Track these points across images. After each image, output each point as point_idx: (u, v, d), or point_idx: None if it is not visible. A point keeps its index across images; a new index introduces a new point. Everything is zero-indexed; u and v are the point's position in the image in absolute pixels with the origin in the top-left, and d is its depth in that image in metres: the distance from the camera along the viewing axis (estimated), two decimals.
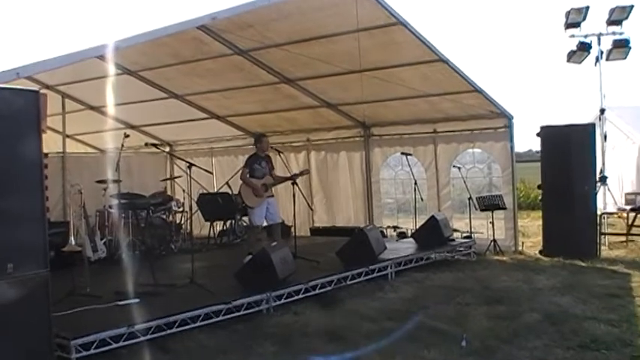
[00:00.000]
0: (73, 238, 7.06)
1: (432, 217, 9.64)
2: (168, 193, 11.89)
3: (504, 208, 9.99)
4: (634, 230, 10.48)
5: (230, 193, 10.90)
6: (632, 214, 10.48)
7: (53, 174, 10.63)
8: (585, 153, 9.57)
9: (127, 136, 9.51)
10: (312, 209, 11.57)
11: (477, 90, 9.52)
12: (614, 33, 11.64)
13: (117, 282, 6.77)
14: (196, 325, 5.80)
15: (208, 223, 11.38)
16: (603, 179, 11.00)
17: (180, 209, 10.76)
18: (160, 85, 10.64)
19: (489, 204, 9.96)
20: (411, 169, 10.66)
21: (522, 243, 10.41)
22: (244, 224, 11.26)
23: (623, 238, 10.68)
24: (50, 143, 10.41)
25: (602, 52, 11.73)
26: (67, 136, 11.40)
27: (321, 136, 12.04)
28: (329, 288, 7.30)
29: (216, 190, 12.07)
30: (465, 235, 10.20)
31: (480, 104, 9.86)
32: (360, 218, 11.64)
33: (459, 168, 10.44)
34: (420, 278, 8.19)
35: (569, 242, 9.29)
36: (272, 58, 9.27)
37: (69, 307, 5.73)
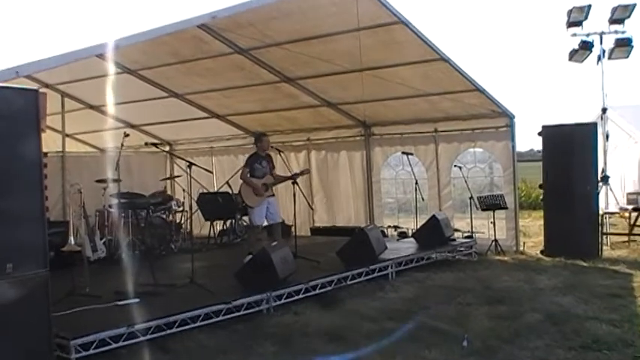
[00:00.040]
0: (72, 238, 7.04)
1: (433, 216, 9.62)
2: (168, 192, 11.87)
3: (506, 208, 9.96)
4: (636, 230, 10.47)
5: (230, 192, 10.88)
6: (634, 214, 10.46)
7: (53, 173, 10.63)
8: (587, 152, 9.54)
9: (126, 135, 9.48)
10: (312, 209, 11.57)
11: (478, 89, 9.50)
12: (616, 32, 11.62)
13: (116, 282, 6.76)
14: (196, 325, 5.79)
15: (208, 223, 11.37)
16: (605, 179, 10.98)
17: (180, 209, 10.74)
18: (159, 84, 10.63)
19: (490, 204, 9.95)
20: (411, 169, 10.64)
21: (524, 243, 10.38)
22: (244, 224, 11.24)
23: (625, 238, 10.67)
24: (50, 142, 10.36)
25: (604, 51, 11.71)
26: (67, 136, 11.37)
27: (322, 136, 12.03)
28: (329, 288, 7.29)
29: (216, 190, 12.05)
30: (466, 234, 10.18)
31: (481, 103, 9.84)
32: (361, 218, 11.62)
33: (460, 167, 10.42)
34: (421, 278, 8.18)
35: (571, 242, 9.28)
36: (272, 57, 9.25)
37: (68, 307, 5.72)
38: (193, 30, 7.83)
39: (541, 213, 10.76)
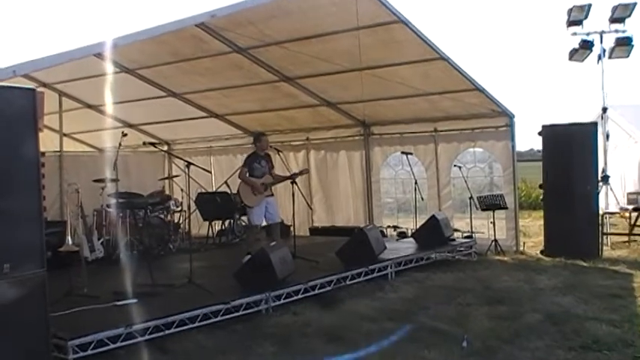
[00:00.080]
0: (70, 238, 7.02)
1: (433, 216, 9.60)
2: (167, 192, 11.82)
3: (505, 208, 9.94)
4: (636, 230, 10.44)
5: (229, 192, 10.86)
6: (634, 214, 10.43)
7: (50, 173, 10.56)
8: (587, 152, 9.52)
9: (124, 134, 9.44)
10: (311, 209, 11.53)
11: (478, 88, 9.48)
12: (616, 31, 11.59)
13: (115, 282, 6.72)
14: (195, 325, 5.76)
15: (207, 223, 11.34)
16: (605, 179, 10.96)
17: (179, 209, 10.70)
18: (158, 84, 10.59)
19: (490, 204, 9.92)
20: (411, 169, 10.63)
21: (524, 243, 10.36)
22: (243, 224, 11.21)
23: (626, 238, 10.65)
24: (47, 142, 10.35)
25: (604, 50, 11.68)
26: (64, 135, 11.32)
27: (321, 135, 12.00)
28: (328, 288, 7.26)
29: (214, 190, 12.02)
30: (465, 234, 10.16)
31: (481, 103, 9.82)
32: (360, 218, 11.59)
33: (460, 167, 10.40)
34: (421, 278, 8.15)
35: (571, 242, 9.26)
36: (271, 56, 9.23)
37: (66, 307, 5.70)
38: (192, 29, 7.80)
39: (541, 213, 10.74)
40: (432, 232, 9.38)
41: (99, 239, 8.93)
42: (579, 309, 6.27)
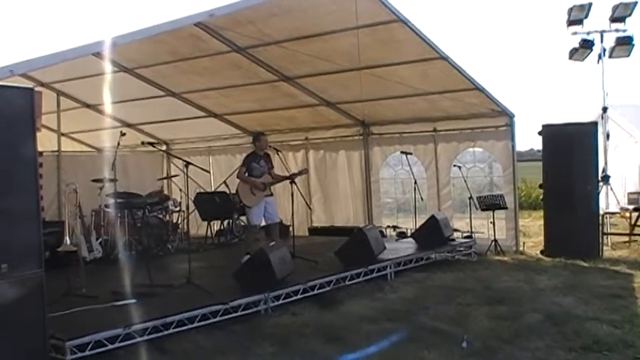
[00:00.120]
0: (68, 238, 6.97)
1: (432, 216, 9.58)
2: (165, 192, 11.82)
3: (505, 208, 9.92)
4: (637, 230, 10.41)
5: (228, 192, 10.84)
6: (634, 214, 10.40)
7: (48, 173, 10.57)
8: (587, 152, 9.49)
9: (123, 134, 9.44)
10: (310, 209, 11.51)
11: (478, 88, 9.46)
12: (617, 30, 11.53)
13: (113, 282, 6.70)
14: (194, 325, 5.75)
15: (205, 223, 11.32)
16: (606, 178, 10.92)
17: (177, 209, 10.68)
18: (156, 83, 10.56)
19: (490, 203, 9.90)
20: (410, 169, 10.60)
21: (523, 243, 10.35)
22: (242, 224, 11.18)
23: (626, 238, 10.63)
24: (45, 142, 10.35)
25: (604, 50, 11.63)
26: (62, 135, 11.30)
27: (320, 135, 11.97)
28: (328, 288, 7.24)
29: (213, 190, 11.99)
30: (465, 235, 10.14)
31: (480, 102, 9.80)
32: (360, 218, 11.57)
33: (460, 167, 10.39)
34: (420, 278, 8.14)
35: (571, 242, 9.24)
36: (270, 55, 9.20)
37: (64, 307, 5.68)
38: (191, 28, 7.78)
39: (541, 213, 10.72)
40: (432, 232, 9.35)
41: (97, 239, 8.92)
42: (579, 309, 6.26)
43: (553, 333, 5.48)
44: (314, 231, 11.72)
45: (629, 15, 11.35)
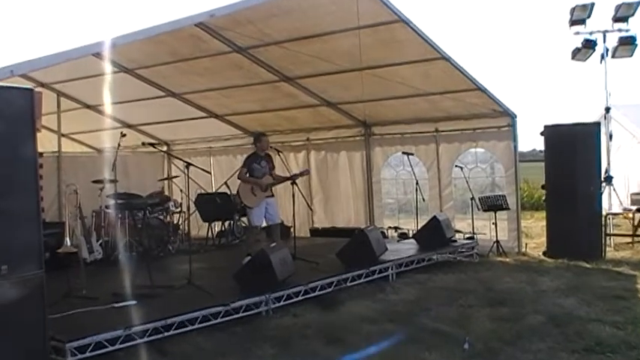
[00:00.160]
0: (68, 239, 6.97)
1: (434, 217, 9.55)
2: (166, 193, 11.80)
3: (507, 209, 9.89)
4: None
5: (229, 193, 10.81)
6: (637, 215, 10.38)
7: (48, 174, 10.56)
8: (590, 152, 9.47)
9: (123, 135, 9.43)
10: (311, 210, 11.50)
11: (480, 88, 9.44)
12: (620, 30, 11.47)
13: (113, 284, 6.68)
14: (194, 327, 5.72)
15: (206, 224, 11.30)
16: (608, 179, 10.87)
17: (178, 210, 10.66)
18: (157, 84, 10.55)
19: (492, 204, 9.87)
20: (412, 169, 10.57)
21: (526, 244, 10.31)
22: (243, 225, 11.17)
23: (629, 239, 10.58)
24: (45, 142, 10.35)
25: (607, 50, 11.56)
26: (63, 135, 11.29)
27: (321, 136, 11.95)
28: (329, 290, 7.22)
29: (214, 190, 11.97)
30: (467, 236, 10.11)
31: (482, 103, 9.77)
32: (361, 219, 11.55)
33: (462, 168, 10.37)
34: (422, 280, 8.11)
35: (574, 243, 9.20)
36: (271, 55, 9.19)
37: (65, 309, 5.67)
38: (191, 28, 7.76)
39: (543, 214, 10.71)
40: (434, 233, 9.33)
41: (98, 240, 8.91)
42: (582, 311, 6.23)
43: (555, 334, 5.45)
44: (315, 232, 11.70)
45: (632, 15, 11.28)
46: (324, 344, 5.42)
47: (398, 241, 10.37)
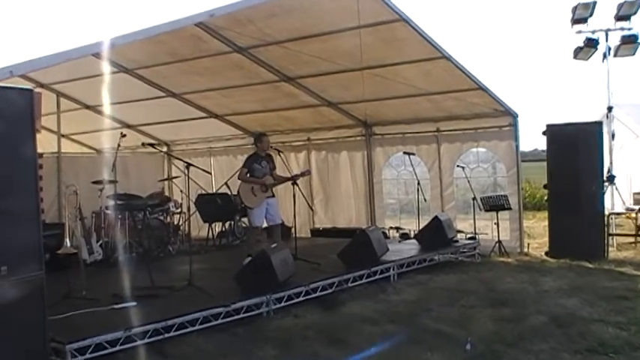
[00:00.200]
0: (68, 240, 6.97)
1: (436, 217, 9.53)
2: (166, 193, 11.79)
3: (509, 209, 9.87)
4: None
5: (229, 193, 10.79)
6: None
7: (48, 174, 10.57)
8: (592, 152, 9.43)
9: (123, 135, 9.41)
10: (312, 210, 11.49)
11: (481, 88, 9.42)
12: (622, 28, 11.43)
13: (114, 285, 6.66)
14: (195, 328, 5.70)
15: (207, 225, 11.28)
16: (611, 179, 10.83)
17: (179, 210, 10.67)
18: (157, 84, 10.53)
19: (494, 204, 9.85)
20: (413, 169, 10.55)
21: (528, 244, 10.29)
22: (244, 225, 11.15)
23: (632, 239, 10.55)
24: (45, 143, 10.34)
25: (609, 49, 11.52)
26: (62, 136, 11.32)
27: (322, 136, 11.94)
28: (330, 290, 7.20)
29: (214, 191, 11.97)
30: (469, 236, 10.09)
31: (484, 102, 9.75)
32: (362, 219, 11.53)
33: (463, 168, 10.35)
34: (424, 280, 8.09)
35: (576, 243, 9.17)
36: (271, 55, 9.17)
37: (65, 310, 5.66)
38: (191, 28, 7.74)
39: (545, 214, 10.67)
40: (435, 234, 9.31)
41: (97, 241, 8.90)
42: (585, 311, 6.21)
43: (558, 335, 5.42)
44: (316, 232, 11.69)
45: (635, 13, 11.24)
46: (326, 345, 5.40)
47: (399, 241, 10.35)
